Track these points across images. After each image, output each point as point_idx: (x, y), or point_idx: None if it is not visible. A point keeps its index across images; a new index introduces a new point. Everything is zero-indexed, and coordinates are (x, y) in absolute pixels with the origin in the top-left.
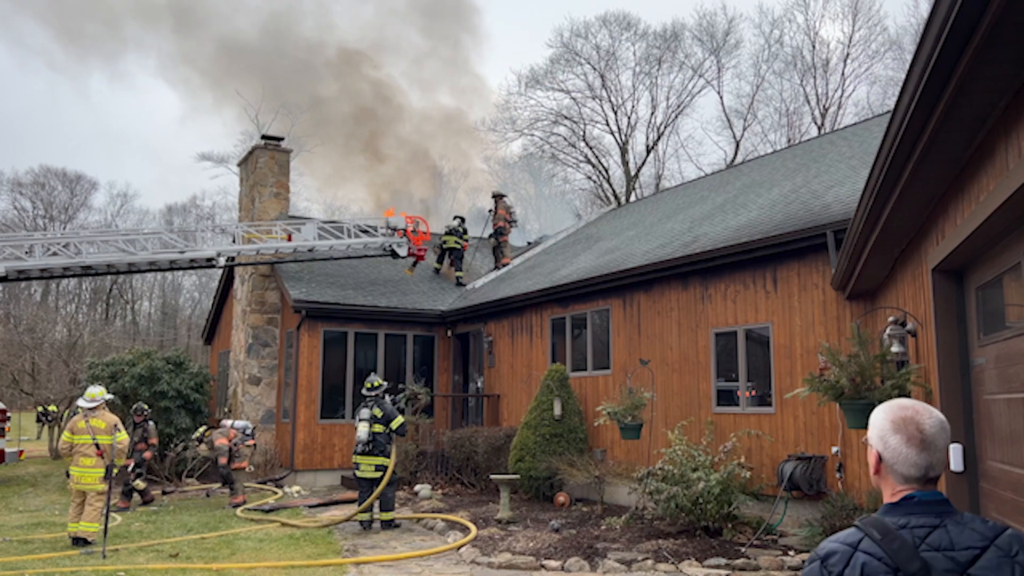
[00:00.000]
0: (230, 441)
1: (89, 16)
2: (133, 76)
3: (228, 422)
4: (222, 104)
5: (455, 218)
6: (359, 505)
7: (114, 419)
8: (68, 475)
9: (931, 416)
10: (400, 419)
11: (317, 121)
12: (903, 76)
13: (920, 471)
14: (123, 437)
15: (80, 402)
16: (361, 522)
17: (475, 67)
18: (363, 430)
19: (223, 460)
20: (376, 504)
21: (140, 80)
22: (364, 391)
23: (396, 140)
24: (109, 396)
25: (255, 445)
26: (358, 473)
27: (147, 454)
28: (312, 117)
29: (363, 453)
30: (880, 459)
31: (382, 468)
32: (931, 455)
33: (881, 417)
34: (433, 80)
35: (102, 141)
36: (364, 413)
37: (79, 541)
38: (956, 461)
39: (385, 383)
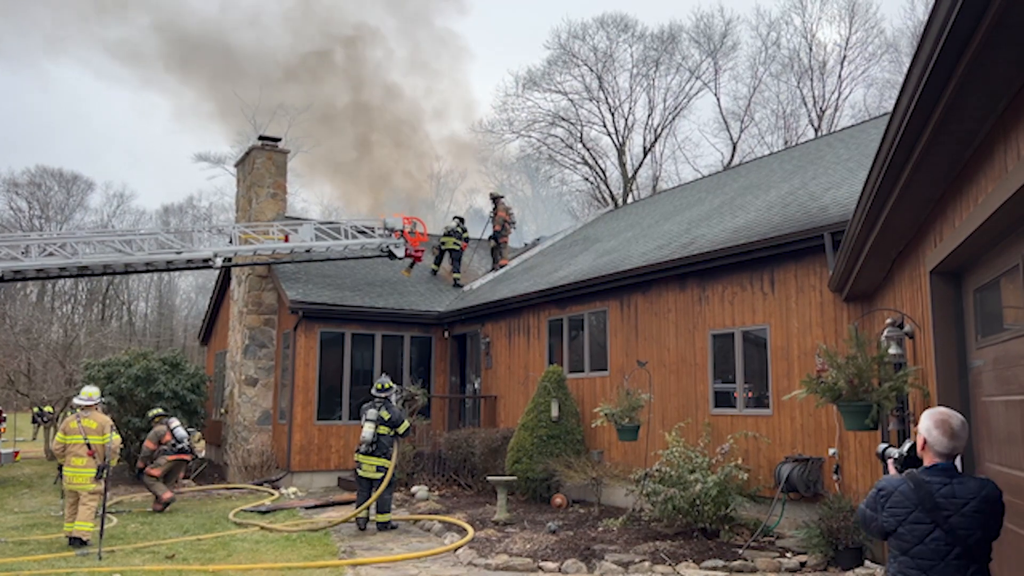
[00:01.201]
0: (158, 446)
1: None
2: (88, 68)
3: (174, 423)
4: (185, 88)
5: (454, 219)
6: (356, 506)
7: (107, 420)
8: (60, 475)
9: (958, 419)
10: (406, 424)
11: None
12: (900, 78)
13: (948, 451)
14: (116, 437)
15: (75, 399)
16: (358, 520)
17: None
18: (368, 431)
19: (140, 464)
20: (373, 505)
21: (92, 73)
22: (374, 391)
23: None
24: (103, 399)
25: (182, 462)
26: (360, 472)
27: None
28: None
29: (366, 453)
30: (925, 442)
31: (383, 469)
32: (956, 442)
33: (928, 418)
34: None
35: (83, 137)
36: (371, 414)
37: (75, 541)
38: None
39: (395, 385)
